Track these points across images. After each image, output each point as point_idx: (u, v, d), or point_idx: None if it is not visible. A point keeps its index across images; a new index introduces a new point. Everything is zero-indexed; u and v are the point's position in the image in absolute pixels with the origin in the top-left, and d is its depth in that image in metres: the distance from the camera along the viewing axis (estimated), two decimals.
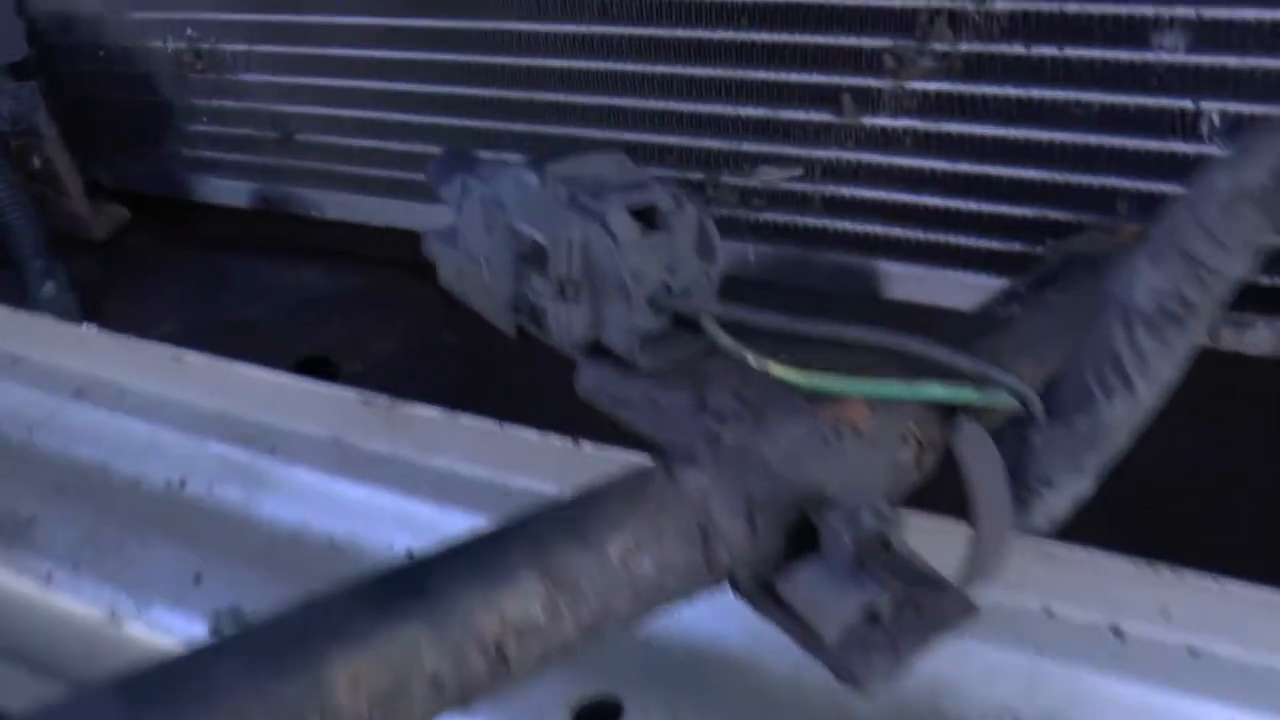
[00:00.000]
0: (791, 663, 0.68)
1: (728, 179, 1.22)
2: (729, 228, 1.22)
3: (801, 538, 0.58)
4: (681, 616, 0.64)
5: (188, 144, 1.64)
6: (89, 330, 1.00)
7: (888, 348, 0.60)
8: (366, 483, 0.81)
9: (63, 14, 1.63)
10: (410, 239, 1.59)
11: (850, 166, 1.17)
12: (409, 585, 0.47)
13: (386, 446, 0.82)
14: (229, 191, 1.64)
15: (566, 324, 0.61)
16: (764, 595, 0.56)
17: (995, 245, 1.15)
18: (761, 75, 1.15)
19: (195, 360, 0.93)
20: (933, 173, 1.14)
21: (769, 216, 1.23)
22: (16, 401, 1.02)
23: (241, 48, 1.47)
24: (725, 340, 0.59)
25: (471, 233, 0.68)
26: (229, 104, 1.54)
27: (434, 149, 1.41)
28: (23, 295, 1.68)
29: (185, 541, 0.81)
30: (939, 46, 1.06)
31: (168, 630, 0.74)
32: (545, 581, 0.49)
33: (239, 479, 0.87)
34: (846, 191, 1.19)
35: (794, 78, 1.14)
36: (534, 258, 0.60)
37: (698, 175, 1.23)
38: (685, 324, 0.62)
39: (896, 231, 1.19)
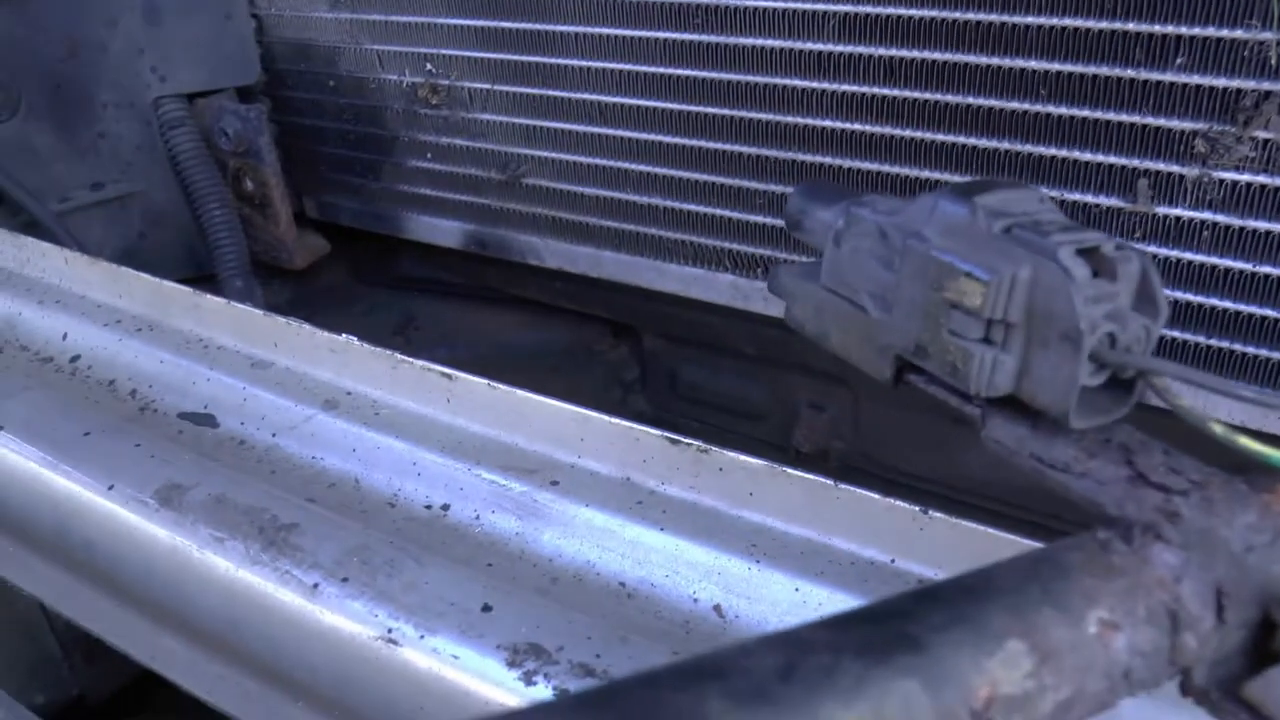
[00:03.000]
0: None
1: None
2: None
3: (1262, 638, 0.50)
4: None
5: (406, 180, 1.63)
6: (349, 341, 0.96)
7: None
8: (666, 529, 0.75)
9: (299, 42, 1.64)
10: (619, 295, 1.56)
11: None
12: (898, 636, 0.40)
13: (690, 493, 0.76)
14: (442, 232, 1.62)
15: (989, 370, 0.54)
16: (1227, 698, 0.48)
17: None
18: (1052, 152, 1.09)
19: (468, 382, 0.88)
20: (1227, 273, 1.06)
21: None
22: (262, 406, 0.99)
23: (482, 86, 1.46)
24: (1185, 405, 0.52)
25: (854, 267, 0.63)
26: (458, 142, 1.53)
27: (671, 202, 1.38)
28: None
29: (464, 568, 0.75)
30: (1261, 134, 0.99)
31: (454, 659, 0.68)
32: (1032, 651, 0.42)
33: (513, 510, 0.81)
34: None
35: (1088, 157, 1.07)
36: (958, 295, 0.54)
37: None
38: (1119, 384, 0.55)
39: (1174, 334, 1.11)
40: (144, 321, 1.11)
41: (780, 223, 1.29)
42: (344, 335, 0.97)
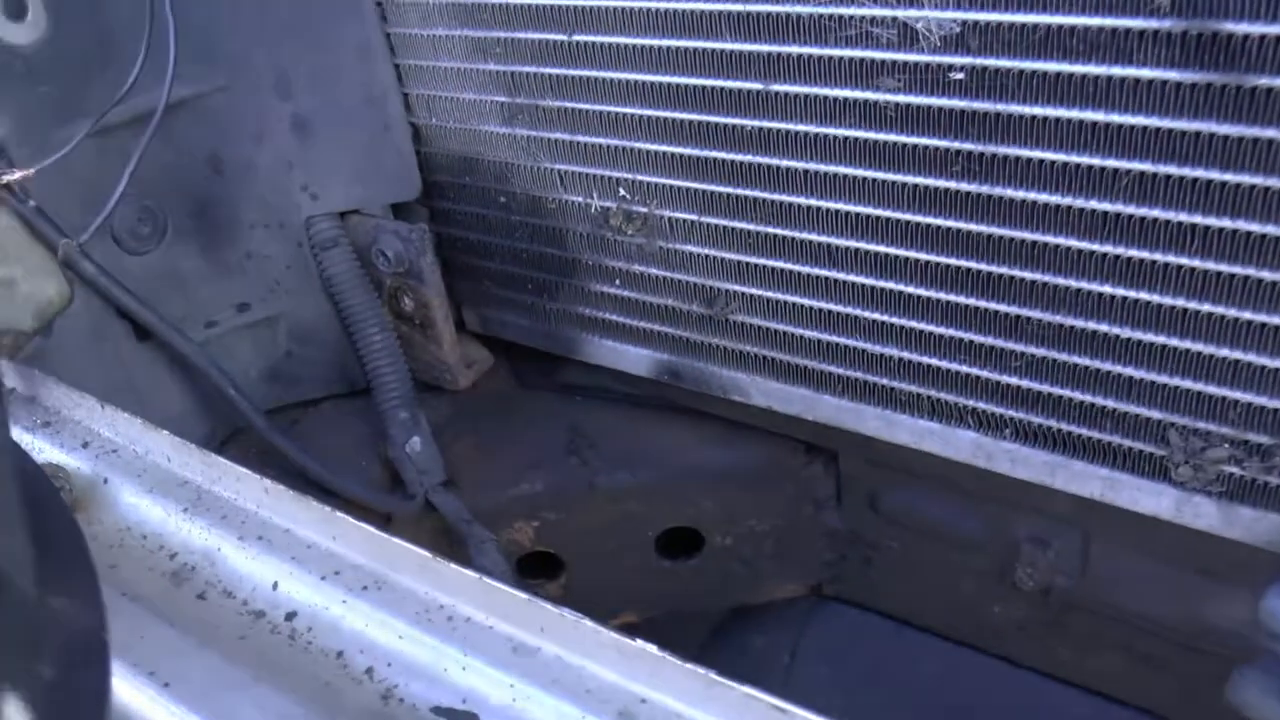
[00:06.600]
0: None
1: None
2: None
3: None
4: None
5: (587, 304, 1.48)
6: (645, 648, 0.82)
7: None
8: None
9: (464, 155, 1.49)
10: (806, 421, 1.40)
11: None
12: None
13: None
14: (629, 359, 1.47)
15: None
16: None
17: None
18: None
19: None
20: None
21: None
22: (540, 710, 0.85)
23: (687, 216, 1.30)
24: None
25: None
26: (654, 271, 1.37)
27: (908, 354, 1.22)
28: (383, 444, 1.56)
29: None
30: None
31: None
32: None
33: None
34: None
35: None
36: None
37: None
38: None
39: None
40: (369, 577, 0.97)
41: (1038, 386, 1.14)
42: (638, 641, 0.83)
